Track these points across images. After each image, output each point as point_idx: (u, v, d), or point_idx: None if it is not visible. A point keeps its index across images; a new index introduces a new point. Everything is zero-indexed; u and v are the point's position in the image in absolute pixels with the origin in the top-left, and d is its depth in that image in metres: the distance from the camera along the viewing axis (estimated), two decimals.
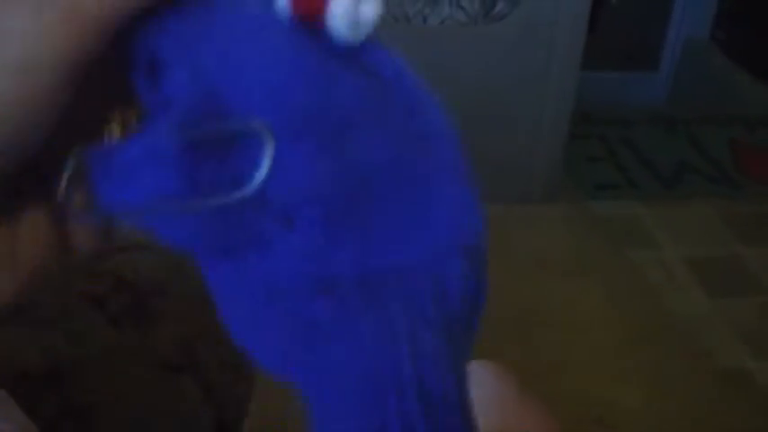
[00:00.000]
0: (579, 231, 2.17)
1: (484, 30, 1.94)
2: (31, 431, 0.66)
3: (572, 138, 2.29)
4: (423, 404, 0.29)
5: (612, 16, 3.03)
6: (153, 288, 0.91)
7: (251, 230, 0.29)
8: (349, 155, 0.29)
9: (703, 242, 2.20)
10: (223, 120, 0.27)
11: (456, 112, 0.34)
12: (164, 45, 0.28)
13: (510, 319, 1.80)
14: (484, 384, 0.70)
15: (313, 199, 0.29)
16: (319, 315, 0.29)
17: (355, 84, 0.29)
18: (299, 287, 0.29)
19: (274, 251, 0.29)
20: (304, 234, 0.29)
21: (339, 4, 0.27)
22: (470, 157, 0.32)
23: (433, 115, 0.32)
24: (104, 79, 0.29)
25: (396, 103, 0.31)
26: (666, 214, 2.30)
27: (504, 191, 2.17)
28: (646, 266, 2.07)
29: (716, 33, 3.24)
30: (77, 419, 0.78)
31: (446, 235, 0.32)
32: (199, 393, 0.86)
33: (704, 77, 3.14)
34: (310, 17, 0.28)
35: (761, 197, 2.40)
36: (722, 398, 1.67)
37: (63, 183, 0.29)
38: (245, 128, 0.27)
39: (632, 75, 3.20)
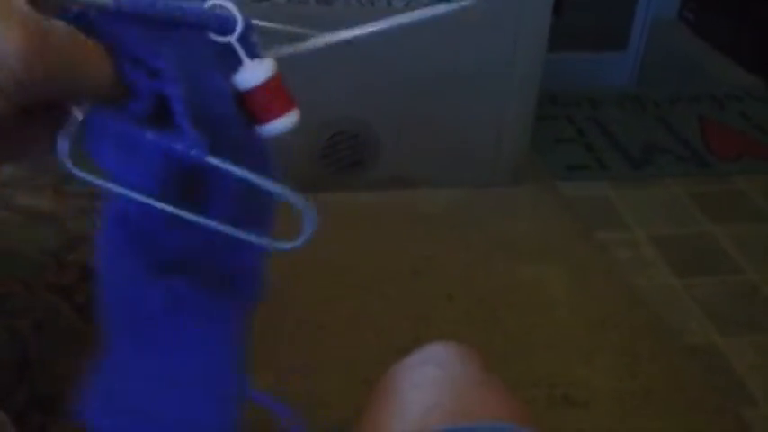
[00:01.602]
0: (548, 213, 2.18)
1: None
2: (3, 421, 0.66)
3: (540, 119, 2.29)
4: None
5: None
6: None
7: None
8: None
9: (672, 221, 2.21)
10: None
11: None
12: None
13: (478, 300, 1.81)
14: (448, 365, 0.70)
15: None
16: None
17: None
18: None
19: None
20: None
21: (278, 126, 0.39)
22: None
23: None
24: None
25: None
26: (636, 194, 2.31)
27: (471, 174, 2.18)
28: (615, 247, 2.09)
29: (684, 13, 3.26)
30: (45, 409, 0.78)
31: None
32: None
33: (672, 57, 3.16)
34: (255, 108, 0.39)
35: (730, 175, 2.42)
36: (691, 376, 1.68)
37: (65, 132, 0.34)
38: None
39: (600, 55, 3.21)
